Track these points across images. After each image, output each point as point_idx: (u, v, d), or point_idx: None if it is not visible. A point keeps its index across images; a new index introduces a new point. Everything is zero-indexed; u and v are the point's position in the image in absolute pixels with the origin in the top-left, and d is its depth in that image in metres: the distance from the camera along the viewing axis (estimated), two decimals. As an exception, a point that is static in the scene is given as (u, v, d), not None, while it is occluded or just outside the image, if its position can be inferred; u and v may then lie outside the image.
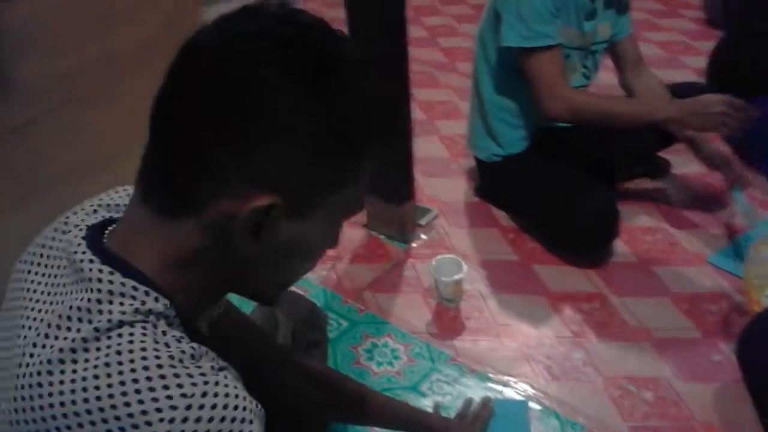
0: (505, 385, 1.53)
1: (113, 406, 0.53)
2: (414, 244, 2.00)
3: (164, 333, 0.58)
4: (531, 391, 1.51)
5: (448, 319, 1.72)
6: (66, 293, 0.60)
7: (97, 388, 0.54)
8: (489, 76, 1.98)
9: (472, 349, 1.63)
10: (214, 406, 0.54)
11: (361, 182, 0.66)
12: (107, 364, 0.54)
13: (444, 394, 1.50)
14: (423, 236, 2.03)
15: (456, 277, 1.71)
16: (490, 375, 1.55)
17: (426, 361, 1.59)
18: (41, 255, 0.67)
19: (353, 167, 0.64)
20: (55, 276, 0.63)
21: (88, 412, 0.53)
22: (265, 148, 0.58)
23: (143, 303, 0.59)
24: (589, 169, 1.95)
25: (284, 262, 0.66)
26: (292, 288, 1.81)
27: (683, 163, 2.26)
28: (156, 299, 0.60)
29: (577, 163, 1.95)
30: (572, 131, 1.97)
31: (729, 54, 2.42)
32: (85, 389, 0.54)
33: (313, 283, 1.84)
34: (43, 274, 0.65)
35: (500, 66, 1.94)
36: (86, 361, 0.55)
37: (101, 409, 0.53)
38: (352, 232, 2.04)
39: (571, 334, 1.67)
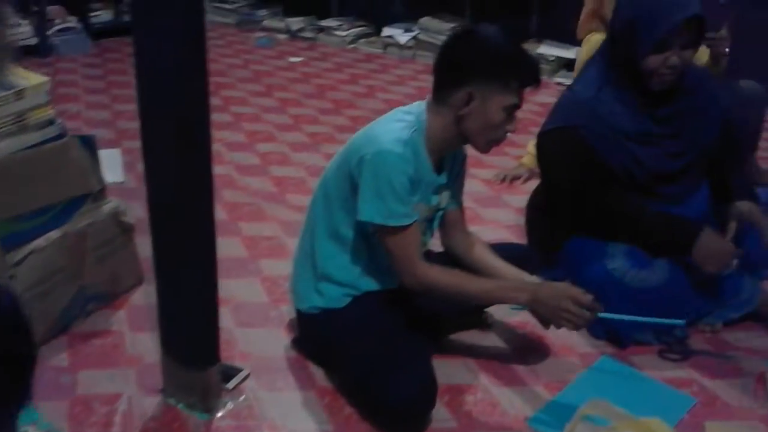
0: None
1: None
2: (219, 414, 1.77)
3: None
4: None
5: None
6: None
7: None
8: (326, 229, 1.89)
9: None
10: None
11: None
12: None
13: None
14: (230, 404, 1.81)
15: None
16: None
17: None
18: None
19: None
20: None
21: None
22: None
23: None
24: (413, 325, 1.88)
25: None
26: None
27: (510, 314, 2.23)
28: None
29: (398, 322, 1.87)
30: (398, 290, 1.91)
31: (545, 199, 2.48)
32: None
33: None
34: None
35: (343, 224, 1.86)
36: None
37: None
38: (144, 401, 1.78)
39: None
